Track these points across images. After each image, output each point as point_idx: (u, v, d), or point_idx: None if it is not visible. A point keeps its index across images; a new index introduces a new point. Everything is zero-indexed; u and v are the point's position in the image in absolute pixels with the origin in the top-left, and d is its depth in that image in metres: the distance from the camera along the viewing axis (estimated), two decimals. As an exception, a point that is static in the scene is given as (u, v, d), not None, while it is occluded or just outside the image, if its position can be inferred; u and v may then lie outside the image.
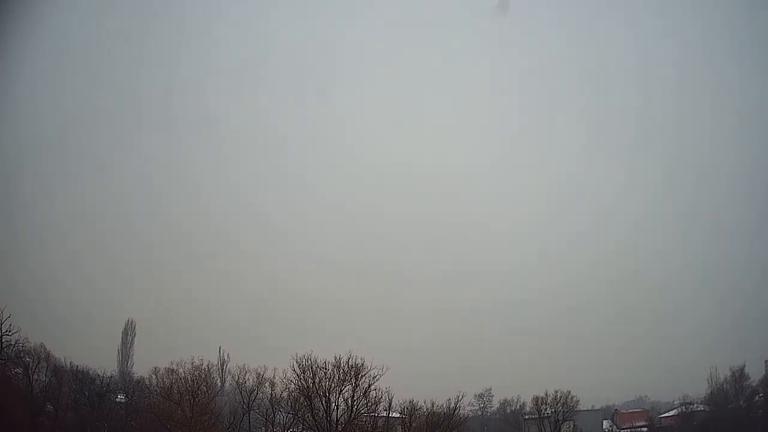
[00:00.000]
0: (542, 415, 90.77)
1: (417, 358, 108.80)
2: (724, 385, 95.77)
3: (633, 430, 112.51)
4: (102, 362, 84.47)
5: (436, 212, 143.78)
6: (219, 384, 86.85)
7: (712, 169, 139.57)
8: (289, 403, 69.47)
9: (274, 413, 72.58)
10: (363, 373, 66.57)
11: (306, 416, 67.78)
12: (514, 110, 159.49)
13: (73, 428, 68.93)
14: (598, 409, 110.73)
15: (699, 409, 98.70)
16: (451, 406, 74.42)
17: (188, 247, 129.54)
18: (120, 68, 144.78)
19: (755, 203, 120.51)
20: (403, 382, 78.73)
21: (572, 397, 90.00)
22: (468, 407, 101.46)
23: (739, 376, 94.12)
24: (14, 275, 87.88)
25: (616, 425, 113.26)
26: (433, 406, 73.39)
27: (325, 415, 66.93)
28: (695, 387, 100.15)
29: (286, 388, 69.73)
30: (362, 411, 68.43)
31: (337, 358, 66.64)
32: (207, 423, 63.04)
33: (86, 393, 72.52)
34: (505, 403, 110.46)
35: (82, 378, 73.81)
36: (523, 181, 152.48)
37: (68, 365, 73.05)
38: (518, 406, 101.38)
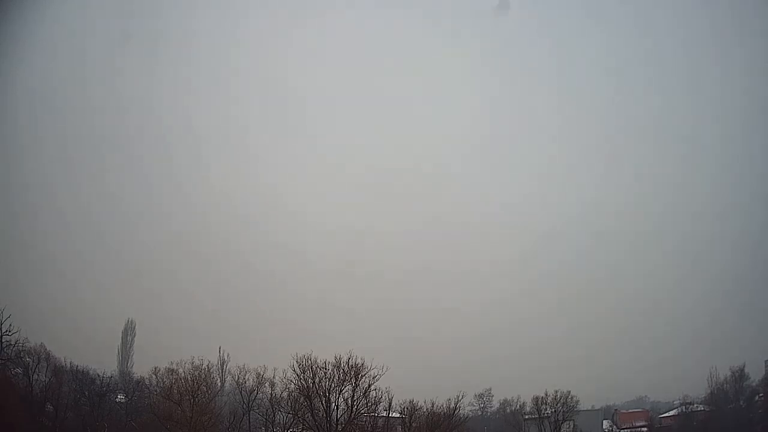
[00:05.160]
0: (542, 415, 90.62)
1: (417, 358, 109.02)
2: (724, 385, 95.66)
3: (633, 430, 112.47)
4: (102, 362, 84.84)
5: (433, 213, 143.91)
6: (219, 384, 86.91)
7: (716, 169, 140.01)
8: (289, 403, 69.34)
9: (274, 413, 72.53)
10: (363, 373, 66.63)
11: (306, 416, 67.74)
12: (511, 110, 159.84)
13: (73, 428, 68.96)
14: (598, 409, 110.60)
15: (699, 409, 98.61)
16: (451, 406, 74.29)
17: (188, 248, 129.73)
18: (121, 69, 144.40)
19: (757, 203, 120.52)
20: (403, 382, 78.82)
21: (572, 397, 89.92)
22: (468, 407, 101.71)
23: (739, 376, 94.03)
24: (14, 275, 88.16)
25: (616, 425, 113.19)
26: (433, 406, 73.39)
27: (325, 415, 66.91)
28: (695, 387, 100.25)
29: (286, 388, 69.85)
30: (362, 411, 68.43)
31: (337, 358, 66.77)
32: (207, 423, 63.01)
33: (86, 393, 72.50)
34: (505, 403, 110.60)
35: (82, 378, 73.85)
36: (517, 179, 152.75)
37: (68, 365, 73.22)
38: (518, 406, 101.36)
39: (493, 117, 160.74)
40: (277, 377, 71.56)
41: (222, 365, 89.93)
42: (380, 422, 74.09)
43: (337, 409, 67.10)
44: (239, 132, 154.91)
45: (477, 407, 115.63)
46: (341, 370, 66.55)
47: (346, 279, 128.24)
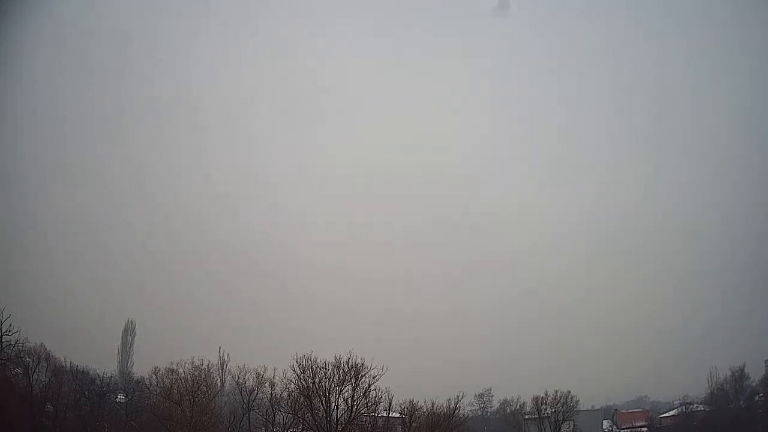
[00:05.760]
0: (542, 415, 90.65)
1: (417, 358, 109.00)
2: (724, 385, 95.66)
3: (633, 430, 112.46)
4: (102, 362, 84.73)
5: (433, 212, 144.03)
6: (219, 384, 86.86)
7: (716, 169, 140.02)
8: (289, 403, 69.34)
9: (274, 413, 72.51)
10: (363, 373, 66.62)
11: (306, 416, 67.75)
12: (512, 110, 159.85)
13: (73, 428, 68.93)
14: (598, 409, 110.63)
15: (699, 409, 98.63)
16: (451, 406, 74.35)
17: (188, 248, 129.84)
18: (118, 68, 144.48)
19: (757, 204, 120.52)
20: (403, 382, 78.81)
21: (572, 397, 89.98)
22: (468, 407, 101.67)
23: (739, 376, 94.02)
24: (14, 275, 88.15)
25: (616, 425, 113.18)
26: (433, 406, 73.46)
27: (325, 415, 66.91)
28: (695, 387, 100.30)
29: (286, 388, 69.84)
30: (362, 411, 68.43)
31: (337, 358, 66.76)
32: (207, 423, 63.00)
33: (86, 393, 72.47)
34: (505, 403, 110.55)
35: (82, 378, 73.80)
36: (518, 180, 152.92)
37: (68, 365, 73.16)
38: (518, 406, 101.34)
39: (493, 117, 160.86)
40: (277, 377, 71.65)
41: (222, 365, 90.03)
42: (380, 422, 74.08)
43: (337, 409, 67.12)
44: (241, 132, 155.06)
45: (477, 407, 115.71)
46: (341, 370, 66.60)
47: (346, 279, 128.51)
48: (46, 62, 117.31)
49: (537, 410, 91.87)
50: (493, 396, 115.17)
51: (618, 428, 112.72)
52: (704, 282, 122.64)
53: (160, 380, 69.79)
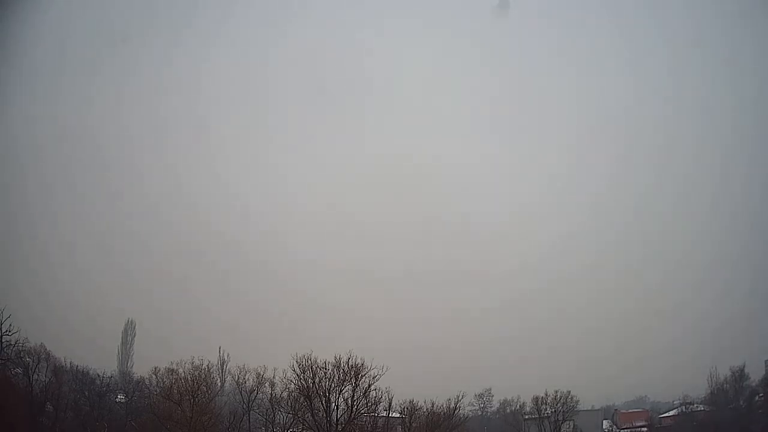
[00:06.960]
0: (542, 415, 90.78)
1: (417, 358, 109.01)
2: (724, 385, 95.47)
3: (633, 430, 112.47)
4: (102, 362, 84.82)
5: (433, 213, 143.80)
6: (219, 384, 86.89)
7: (714, 169, 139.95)
8: (289, 403, 69.39)
9: (274, 413, 72.53)
10: (363, 373, 66.57)
11: (306, 416, 67.77)
12: (511, 110, 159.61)
13: (73, 428, 68.91)
14: (598, 409, 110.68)
15: (699, 409, 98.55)
16: (451, 406, 74.42)
17: (188, 247, 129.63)
18: (120, 69, 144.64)
19: (756, 203, 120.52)
20: (403, 382, 78.83)
21: (572, 397, 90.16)
22: (468, 407, 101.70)
23: (739, 376, 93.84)
24: (14, 275, 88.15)
25: (616, 425, 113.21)
26: (433, 406, 73.50)
27: (325, 415, 66.93)
28: (695, 387, 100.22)
29: (286, 388, 69.87)
30: (362, 411, 68.42)
31: (337, 358, 66.72)
32: (207, 423, 63.00)
33: (86, 393, 72.51)
34: (505, 403, 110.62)
35: (82, 378, 73.85)
36: (518, 181, 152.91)
37: (68, 365, 73.17)
38: (518, 406, 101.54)
39: (493, 117, 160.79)
40: (277, 377, 71.70)
41: (222, 365, 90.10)
42: (380, 422, 74.09)
43: (337, 409, 67.09)
44: (240, 128, 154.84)
45: (477, 407, 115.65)
46: (341, 370, 66.56)
47: (347, 280, 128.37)
48: (46, 61, 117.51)
49: (537, 410, 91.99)
50: (493, 396, 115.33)
51: (618, 428, 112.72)
52: (704, 282, 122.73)
53: (160, 380, 69.86)
